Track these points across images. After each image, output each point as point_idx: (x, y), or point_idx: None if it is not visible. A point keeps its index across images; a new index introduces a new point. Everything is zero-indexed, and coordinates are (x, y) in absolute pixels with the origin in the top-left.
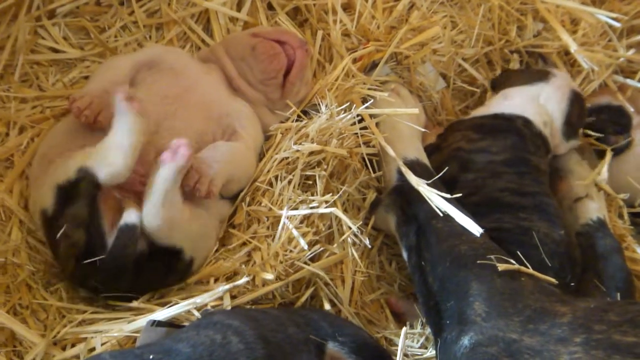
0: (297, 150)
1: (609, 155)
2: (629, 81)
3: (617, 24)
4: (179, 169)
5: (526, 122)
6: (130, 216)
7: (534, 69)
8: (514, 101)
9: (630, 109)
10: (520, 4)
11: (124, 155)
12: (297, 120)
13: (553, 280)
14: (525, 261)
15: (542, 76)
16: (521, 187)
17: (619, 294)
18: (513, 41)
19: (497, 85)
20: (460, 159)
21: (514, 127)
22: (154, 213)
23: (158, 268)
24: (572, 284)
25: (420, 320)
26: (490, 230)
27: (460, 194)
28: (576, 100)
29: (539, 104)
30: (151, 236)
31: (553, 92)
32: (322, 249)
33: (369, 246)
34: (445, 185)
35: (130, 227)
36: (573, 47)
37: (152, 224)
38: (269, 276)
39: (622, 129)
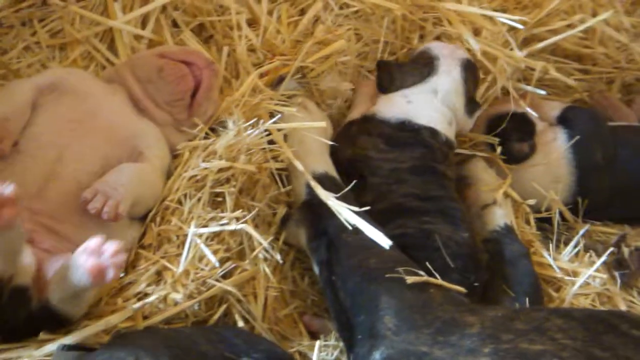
0: (206, 168)
1: (508, 178)
2: (530, 88)
3: (520, 27)
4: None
5: (433, 133)
6: (23, 278)
7: (416, 60)
8: (417, 108)
9: (534, 116)
10: (424, 12)
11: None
12: (204, 138)
13: (461, 289)
14: (433, 271)
15: (429, 68)
16: (425, 192)
17: (527, 299)
18: (415, 47)
19: (387, 84)
20: (369, 165)
21: (421, 139)
22: (59, 306)
23: (53, 322)
24: (477, 284)
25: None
26: (396, 237)
27: (368, 207)
28: (467, 71)
29: (439, 104)
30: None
31: (446, 82)
32: (233, 265)
33: (281, 262)
34: (354, 187)
35: (22, 290)
36: (475, 47)
37: (56, 309)
38: (179, 296)
39: (526, 136)
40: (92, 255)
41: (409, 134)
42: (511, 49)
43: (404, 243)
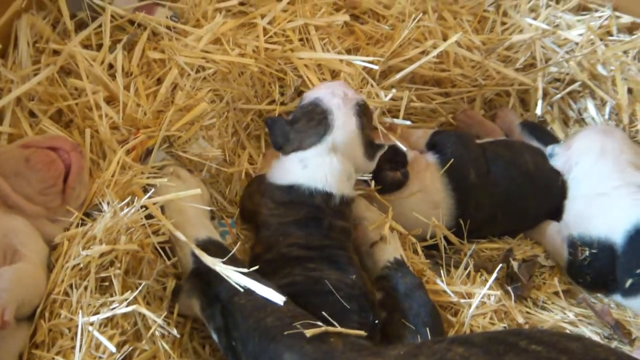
0: (87, 255)
1: (390, 211)
2: (396, 120)
3: (375, 67)
4: None
5: (327, 197)
6: None
7: (309, 114)
8: (313, 172)
9: (403, 147)
10: (279, 64)
11: None
12: (81, 225)
13: (361, 332)
14: (330, 319)
15: (325, 126)
16: (309, 242)
17: (427, 329)
18: (277, 100)
19: (283, 143)
20: (261, 219)
21: (312, 204)
22: None
23: None
24: (377, 321)
25: None
26: (285, 286)
27: (257, 267)
28: (362, 117)
29: (338, 162)
30: None
31: (344, 136)
32: (131, 348)
33: (178, 335)
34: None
35: None
36: None
37: None
38: None
39: (398, 165)
40: None
41: (298, 198)
42: (372, 86)
43: (295, 292)
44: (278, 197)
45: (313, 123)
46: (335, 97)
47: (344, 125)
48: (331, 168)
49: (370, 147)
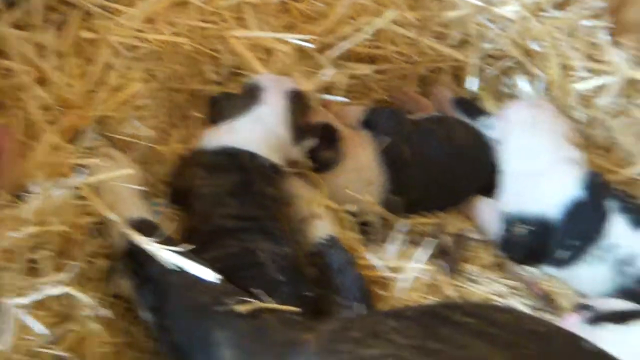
0: (17, 237)
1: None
2: (331, 97)
3: (310, 45)
4: None
5: (252, 156)
6: None
7: (245, 92)
8: (239, 136)
9: (338, 124)
10: (213, 44)
11: None
12: (11, 206)
13: (294, 308)
14: (264, 295)
15: (254, 98)
16: (243, 212)
17: (360, 305)
18: (212, 80)
19: (217, 117)
20: (194, 193)
21: (239, 164)
22: None
23: None
24: (310, 294)
25: None
26: (220, 258)
27: (194, 246)
28: (294, 102)
29: (263, 131)
30: None
31: (269, 112)
32: (63, 330)
33: (111, 316)
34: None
35: None
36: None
37: None
38: None
39: (332, 144)
40: None
41: (226, 159)
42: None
43: (230, 264)
44: (207, 161)
45: (246, 98)
46: (272, 81)
47: (272, 103)
48: (256, 135)
49: (298, 134)
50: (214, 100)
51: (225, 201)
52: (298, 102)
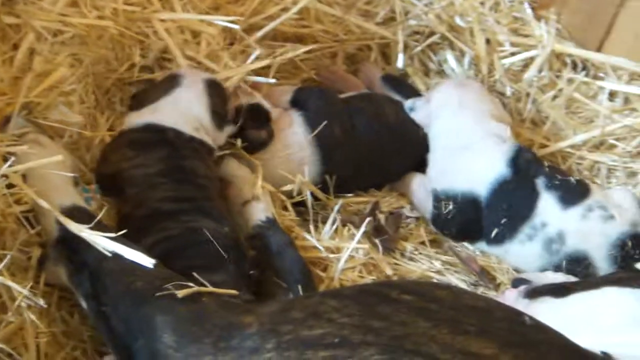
0: None
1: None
2: (259, 79)
3: (236, 27)
4: None
5: (177, 133)
6: None
7: (164, 78)
8: (162, 115)
9: (267, 105)
10: (139, 27)
11: None
12: None
13: (234, 292)
14: (203, 281)
15: (174, 83)
16: (179, 193)
17: (300, 286)
18: (138, 63)
19: (138, 105)
20: (123, 177)
21: (165, 138)
22: None
23: None
24: (252, 272)
25: None
26: (161, 241)
27: (125, 230)
28: (212, 88)
29: (183, 112)
30: None
31: (188, 94)
32: None
33: (45, 305)
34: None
35: None
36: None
37: None
38: None
39: (262, 124)
40: None
41: (153, 135)
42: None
43: (172, 246)
44: (133, 138)
45: (166, 83)
46: (191, 69)
47: (190, 85)
48: (177, 114)
49: (219, 118)
50: (134, 94)
51: (158, 183)
52: (216, 89)
